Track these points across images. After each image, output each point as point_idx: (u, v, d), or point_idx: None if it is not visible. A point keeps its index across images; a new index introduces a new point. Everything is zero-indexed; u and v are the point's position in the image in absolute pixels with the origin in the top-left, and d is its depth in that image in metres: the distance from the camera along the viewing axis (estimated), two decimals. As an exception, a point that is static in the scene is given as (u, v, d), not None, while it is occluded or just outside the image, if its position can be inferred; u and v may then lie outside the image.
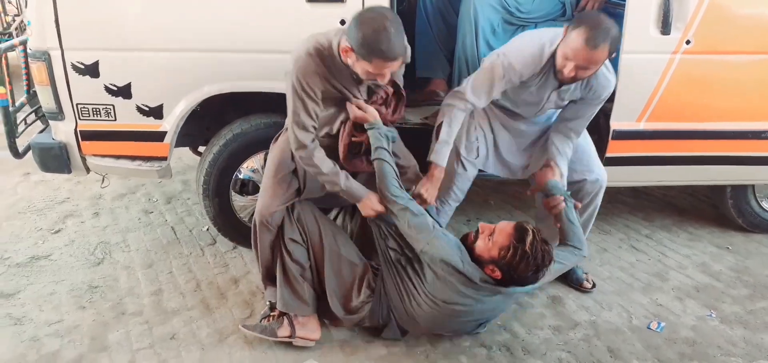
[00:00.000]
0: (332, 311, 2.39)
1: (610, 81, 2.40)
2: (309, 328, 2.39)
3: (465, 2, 2.88)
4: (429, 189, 2.44)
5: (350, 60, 2.10)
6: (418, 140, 2.65)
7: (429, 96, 3.26)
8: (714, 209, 3.57)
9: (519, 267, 2.14)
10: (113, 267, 2.94)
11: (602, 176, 2.65)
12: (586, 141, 2.68)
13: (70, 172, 2.76)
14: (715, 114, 2.81)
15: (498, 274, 2.19)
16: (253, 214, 2.85)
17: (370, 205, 2.34)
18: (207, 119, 2.91)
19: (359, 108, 2.29)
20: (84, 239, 3.21)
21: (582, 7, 2.94)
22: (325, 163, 2.27)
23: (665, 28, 2.58)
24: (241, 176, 2.87)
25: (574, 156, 2.59)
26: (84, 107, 2.61)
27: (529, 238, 2.13)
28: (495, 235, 2.20)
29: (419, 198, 2.39)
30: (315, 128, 2.24)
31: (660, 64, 2.65)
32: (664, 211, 3.68)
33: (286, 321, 2.38)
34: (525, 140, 2.71)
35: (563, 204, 2.47)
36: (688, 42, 2.61)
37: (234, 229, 2.97)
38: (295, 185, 2.39)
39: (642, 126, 2.77)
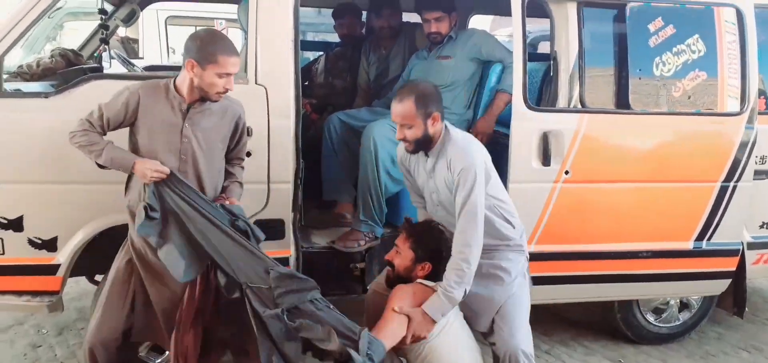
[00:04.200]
0: None
1: (465, 154, 2.34)
2: None
3: (366, 134, 3.06)
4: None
5: (196, 76, 2.20)
6: (323, 260, 2.77)
7: (336, 219, 3.37)
8: (606, 322, 3.78)
9: (434, 237, 2.44)
10: (-10, 414, 2.70)
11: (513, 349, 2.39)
12: (513, 300, 2.48)
13: (-54, 309, 2.58)
14: (596, 236, 3.06)
15: (428, 266, 2.42)
16: (151, 348, 2.76)
17: (145, 166, 2.20)
18: (105, 248, 2.83)
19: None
20: (-42, 382, 2.95)
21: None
22: (93, 136, 2.22)
23: (545, 160, 2.85)
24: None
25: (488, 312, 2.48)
26: (-32, 241, 2.49)
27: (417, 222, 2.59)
28: (399, 247, 2.46)
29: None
30: (98, 126, 2.22)
31: (544, 192, 2.90)
32: (561, 325, 3.86)
33: None
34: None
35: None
36: (567, 172, 2.89)
37: (130, 364, 2.83)
38: (129, 301, 2.35)
39: (533, 248, 2.96)
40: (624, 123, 2.99)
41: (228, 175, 2.48)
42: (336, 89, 4.06)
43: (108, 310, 2.33)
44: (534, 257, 2.91)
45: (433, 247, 2.43)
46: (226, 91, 2.26)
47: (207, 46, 2.19)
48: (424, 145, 2.42)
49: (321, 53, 4.38)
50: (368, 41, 3.96)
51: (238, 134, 2.46)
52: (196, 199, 2.23)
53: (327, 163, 3.44)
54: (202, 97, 2.27)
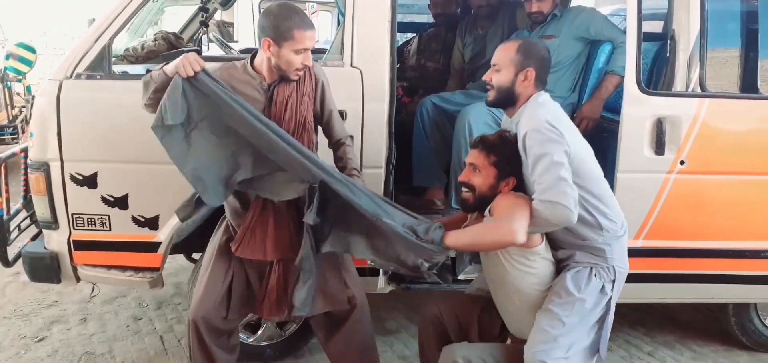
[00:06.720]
0: None
1: (531, 116, 2.13)
2: None
3: (461, 117, 2.94)
4: None
5: (273, 55, 2.13)
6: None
7: (426, 205, 3.28)
8: (718, 325, 3.48)
9: (512, 146, 2.15)
10: (97, 381, 2.84)
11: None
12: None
13: (59, 282, 2.72)
14: (713, 232, 2.80)
15: (513, 181, 2.15)
16: (244, 326, 2.80)
17: (188, 60, 2.03)
18: (202, 228, 2.88)
19: None
20: (68, 349, 3.11)
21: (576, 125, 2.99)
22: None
23: (659, 148, 2.63)
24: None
25: None
26: (79, 217, 2.60)
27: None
28: (478, 165, 2.16)
29: None
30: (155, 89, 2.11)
31: (655, 183, 2.67)
32: (666, 326, 3.59)
33: None
34: None
35: None
36: (682, 162, 2.65)
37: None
38: (228, 279, 2.34)
39: (640, 244, 2.75)
40: (750, 109, 2.70)
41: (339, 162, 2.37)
42: (428, 71, 3.96)
43: (210, 286, 2.33)
44: (642, 253, 2.74)
45: (516, 158, 2.14)
46: (305, 67, 2.17)
47: (282, 22, 2.09)
48: (505, 98, 2.21)
49: (413, 35, 4.28)
50: (465, 21, 3.82)
51: (321, 96, 2.33)
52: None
53: (418, 147, 3.35)
54: (282, 77, 2.20)
